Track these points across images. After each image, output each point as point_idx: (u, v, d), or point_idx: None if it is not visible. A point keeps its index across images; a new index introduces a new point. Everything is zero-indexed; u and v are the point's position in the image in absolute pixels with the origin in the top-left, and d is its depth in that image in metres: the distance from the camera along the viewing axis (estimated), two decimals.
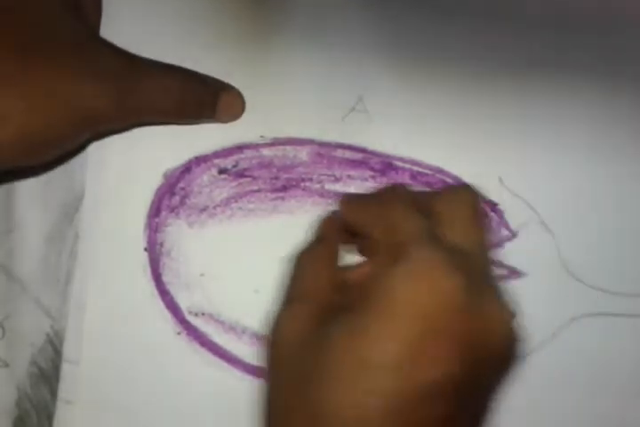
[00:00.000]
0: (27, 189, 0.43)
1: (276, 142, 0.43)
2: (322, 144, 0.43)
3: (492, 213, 0.43)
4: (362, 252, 0.40)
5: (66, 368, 0.42)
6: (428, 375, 0.33)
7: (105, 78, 0.39)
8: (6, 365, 0.43)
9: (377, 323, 0.33)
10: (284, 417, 0.35)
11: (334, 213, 0.41)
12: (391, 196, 0.38)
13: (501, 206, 0.43)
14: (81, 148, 0.42)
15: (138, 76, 0.40)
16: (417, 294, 0.33)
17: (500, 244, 0.43)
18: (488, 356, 0.34)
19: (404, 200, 0.37)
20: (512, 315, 0.35)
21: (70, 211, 0.43)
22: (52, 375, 0.42)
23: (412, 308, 0.33)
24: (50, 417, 0.42)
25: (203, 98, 0.42)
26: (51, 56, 0.38)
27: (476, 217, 0.37)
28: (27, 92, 0.37)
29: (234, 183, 0.43)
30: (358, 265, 0.38)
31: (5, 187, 0.43)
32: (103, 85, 0.39)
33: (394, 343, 0.33)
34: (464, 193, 0.38)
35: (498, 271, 0.42)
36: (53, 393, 0.42)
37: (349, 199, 0.40)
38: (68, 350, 0.42)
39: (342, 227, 0.40)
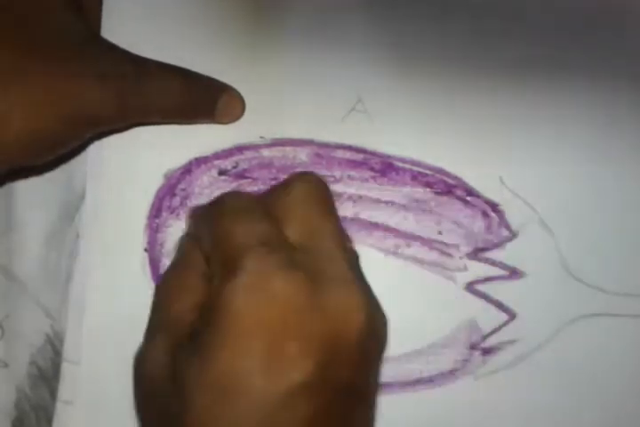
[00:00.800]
0: (27, 188, 0.43)
1: (275, 143, 0.43)
2: (321, 145, 0.43)
3: (493, 214, 0.43)
4: None
5: (66, 368, 0.42)
6: (284, 381, 0.32)
7: (105, 78, 0.39)
8: (5, 365, 0.43)
9: (223, 343, 0.32)
10: None
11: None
12: (217, 207, 0.37)
13: (502, 207, 0.43)
14: (81, 147, 0.42)
15: (138, 76, 0.40)
16: (256, 305, 0.32)
17: (500, 244, 0.43)
18: (345, 348, 0.33)
19: (231, 209, 0.36)
20: (364, 301, 0.34)
21: (70, 211, 0.43)
22: (51, 376, 0.42)
23: (253, 320, 0.32)
24: (49, 418, 0.42)
25: (202, 98, 0.42)
26: (52, 56, 0.38)
27: (313, 207, 0.36)
28: (27, 92, 0.37)
29: (234, 184, 0.43)
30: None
31: (5, 187, 0.43)
32: (103, 85, 0.39)
33: (243, 360, 0.32)
34: (296, 184, 0.37)
35: (498, 272, 0.43)
36: (53, 394, 0.42)
37: (191, 213, 0.39)
38: (68, 350, 0.42)
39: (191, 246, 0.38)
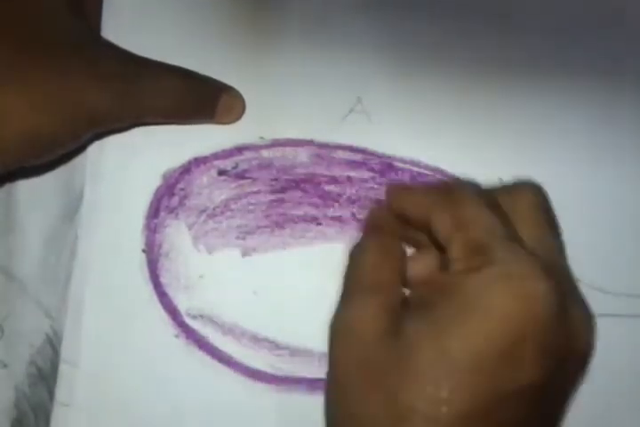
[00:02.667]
0: (27, 189, 0.43)
1: (275, 144, 0.43)
2: (321, 145, 0.43)
3: None
4: (415, 244, 0.40)
5: (63, 370, 0.42)
6: (510, 380, 0.33)
7: (105, 78, 0.39)
8: (5, 365, 0.42)
9: (462, 322, 0.33)
10: (362, 411, 0.34)
11: (380, 203, 0.41)
12: (460, 189, 0.37)
13: None
14: (81, 148, 0.42)
15: (138, 76, 0.40)
16: (505, 298, 0.33)
17: None
18: (570, 363, 0.34)
19: (474, 195, 0.36)
20: (593, 319, 0.35)
21: (70, 211, 0.43)
22: (50, 376, 0.42)
23: (499, 311, 0.33)
24: (48, 418, 0.42)
25: (202, 99, 0.42)
26: (52, 56, 0.38)
27: (543, 216, 0.37)
28: (27, 92, 0.37)
29: (233, 185, 0.43)
30: (421, 259, 0.39)
31: (5, 187, 0.43)
32: (103, 85, 0.39)
33: (478, 343, 0.32)
34: (527, 191, 0.37)
35: None
36: (52, 394, 0.42)
37: (403, 189, 0.39)
38: (67, 351, 0.42)
39: (391, 218, 0.39)
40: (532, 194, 0.37)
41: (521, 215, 0.36)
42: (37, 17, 0.39)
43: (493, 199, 0.37)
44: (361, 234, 0.40)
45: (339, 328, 0.36)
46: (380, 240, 0.38)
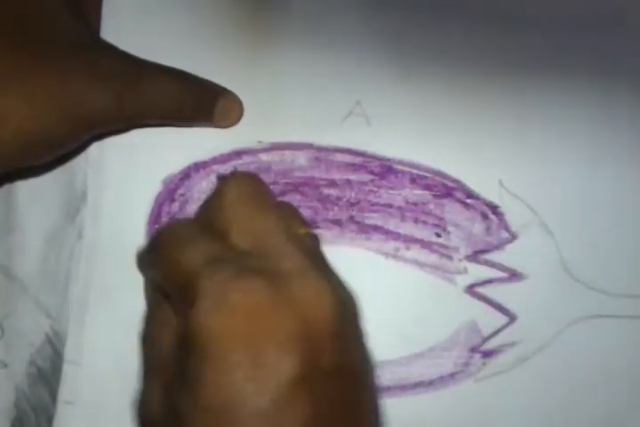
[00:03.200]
0: (27, 189, 0.43)
1: (273, 147, 0.43)
2: (320, 148, 0.43)
3: (493, 216, 0.43)
4: None
5: (67, 369, 0.42)
6: (274, 383, 0.32)
7: (104, 79, 0.39)
8: (5, 365, 0.43)
9: (205, 366, 0.32)
10: None
11: None
12: (155, 244, 0.37)
13: (502, 209, 0.43)
14: (81, 147, 0.42)
15: (136, 78, 0.40)
16: (223, 321, 0.32)
17: (500, 246, 0.43)
18: (322, 335, 0.33)
19: (168, 240, 0.36)
20: (325, 285, 0.34)
21: (71, 211, 0.43)
22: (50, 376, 0.42)
23: (226, 336, 0.32)
24: (49, 418, 0.42)
25: (200, 101, 0.42)
26: (51, 56, 0.38)
27: (247, 208, 0.36)
28: (27, 92, 0.37)
29: None
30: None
31: (6, 187, 0.43)
32: (103, 85, 0.39)
33: (230, 376, 0.32)
34: (224, 190, 0.37)
35: (498, 274, 0.43)
36: (52, 394, 0.42)
37: (137, 261, 0.39)
38: (70, 351, 0.42)
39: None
40: (228, 192, 0.36)
41: (226, 218, 0.36)
42: (37, 17, 0.39)
43: (198, 223, 0.37)
44: None
45: (135, 412, 0.36)
46: (152, 315, 0.38)
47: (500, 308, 0.43)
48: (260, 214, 0.36)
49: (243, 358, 0.32)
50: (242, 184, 0.37)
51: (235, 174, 0.38)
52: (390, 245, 0.43)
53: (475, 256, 0.43)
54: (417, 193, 0.43)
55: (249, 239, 0.35)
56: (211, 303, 0.32)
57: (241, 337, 0.32)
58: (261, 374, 0.32)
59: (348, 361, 0.34)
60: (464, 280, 0.43)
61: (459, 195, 0.43)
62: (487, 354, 0.42)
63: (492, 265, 0.43)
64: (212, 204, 0.37)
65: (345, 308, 0.34)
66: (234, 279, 0.33)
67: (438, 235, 0.43)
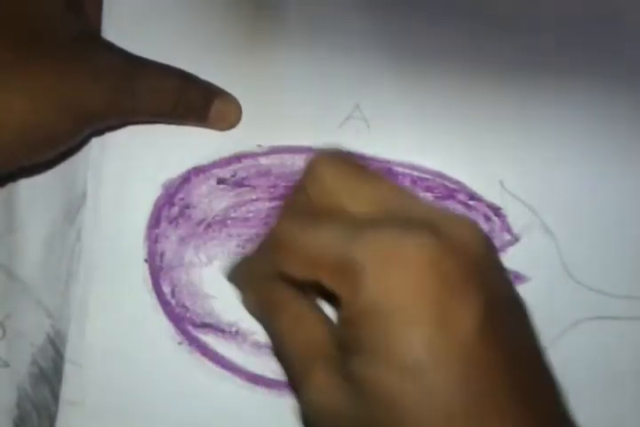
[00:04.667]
0: (28, 189, 0.44)
1: (273, 151, 0.43)
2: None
3: (495, 218, 0.43)
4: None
5: (68, 369, 0.42)
6: (464, 330, 0.32)
7: (103, 77, 0.39)
8: (7, 365, 0.43)
9: (395, 327, 0.32)
10: None
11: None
12: (270, 244, 0.37)
13: (504, 211, 0.43)
14: (80, 145, 0.43)
15: (133, 75, 0.40)
16: (408, 279, 0.32)
17: (502, 248, 0.43)
18: (487, 266, 0.33)
19: (287, 233, 0.35)
20: (468, 220, 0.34)
21: (72, 211, 0.43)
22: (52, 375, 0.43)
23: (409, 294, 0.32)
24: (50, 417, 0.42)
25: (196, 101, 0.42)
26: (51, 54, 0.38)
27: (350, 180, 0.36)
28: (27, 89, 0.38)
29: (232, 193, 0.43)
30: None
31: (7, 187, 0.44)
32: (101, 83, 0.39)
33: (423, 332, 0.31)
34: (317, 173, 0.36)
35: None
36: (54, 393, 0.42)
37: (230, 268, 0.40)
38: (71, 352, 0.42)
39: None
40: (325, 171, 0.36)
41: (331, 196, 0.35)
42: (37, 17, 0.39)
43: (306, 203, 0.36)
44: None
45: (305, 408, 0.36)
46: (293, 317, 0.37)
47: None
48: (370, 180, 0.36)
49: (431, 313, 0.31)
50: (332, 159, 0.36)
51: (319, 153, 0.37)
52: None
53: None
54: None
55: (367, 206, 0.35)
56: (383, 267, 0.32)
57: (428, 291, 0.32)
58: (450, 327, 0.32)
59: (514, 291, 0.35)
60: None
61: (461, 197, 0.43)
62: None
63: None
64: (309, 188, 0.36)
65: (487, 238, 0.34)
66: (399, 237, 0.32)
67: None
